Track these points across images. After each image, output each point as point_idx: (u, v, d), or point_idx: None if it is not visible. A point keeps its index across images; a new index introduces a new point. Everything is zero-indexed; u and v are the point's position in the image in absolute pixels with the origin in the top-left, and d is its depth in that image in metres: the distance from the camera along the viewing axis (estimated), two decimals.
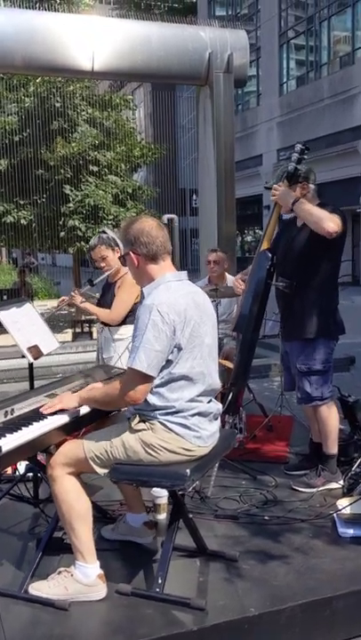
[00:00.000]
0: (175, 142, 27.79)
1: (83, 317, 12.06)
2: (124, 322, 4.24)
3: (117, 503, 3.58)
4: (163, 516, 3.37)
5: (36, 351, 3.58)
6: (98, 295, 4.64)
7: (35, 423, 2.67)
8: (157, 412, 2.67)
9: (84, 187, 12.93)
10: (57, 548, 3.01)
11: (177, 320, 2.59)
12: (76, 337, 11.80)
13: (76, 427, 2.93)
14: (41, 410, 2.78)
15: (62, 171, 12.76)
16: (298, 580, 2.90)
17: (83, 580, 2.71)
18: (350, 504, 3.40)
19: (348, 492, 3.69)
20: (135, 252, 2.72)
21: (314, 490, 3.85)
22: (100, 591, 2.73)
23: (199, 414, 2.71)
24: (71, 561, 2.80)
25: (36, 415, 2.77)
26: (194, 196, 24.59)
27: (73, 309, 11.57)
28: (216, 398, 2.98)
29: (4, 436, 2.50)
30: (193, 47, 8.86)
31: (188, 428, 2.67)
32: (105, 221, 12.57)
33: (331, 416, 3.92)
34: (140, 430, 2.67)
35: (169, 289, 2.66)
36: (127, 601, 2.72)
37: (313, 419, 4.05)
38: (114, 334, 4.31)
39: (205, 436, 2.73)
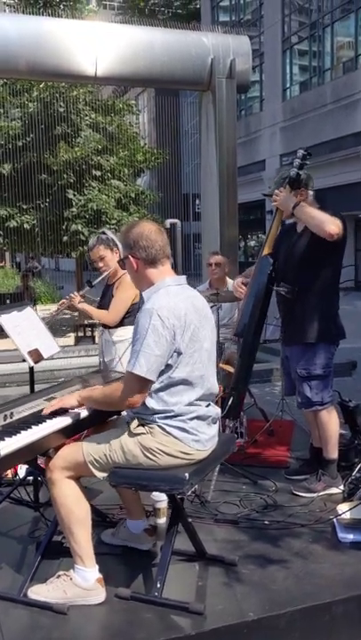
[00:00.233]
0: (179, 147, 27.82)
1: (85, 322, 12.07)
2: (122, 323, 4.24)
3: (117, 507, 3.58)
4: (163, 521, 3.36)
5: (36, 355, 3.58)
6: (98, 299, 4.65)
7: (34, 427, 2.68)
8: (156, 415, 2.68)
9: (87, 191, 12.97)
10: (56, 551, 3.01)
11: (177, 324, 2.60)
12: (78, 341, 11.82)
13: (76, 430, 2.94)
14: (44, 411, 2.78)
15: (65, 175, 12.80)
16: (297, 585, 2.89)
17: (82, 583, 2.71)
18: (350, 509, 3.40)
19: (348, 497, 3.68)
20: (134, 256, 2.74)
21: (314, 495, 3.85)
22: (99, 595, 2.73)
23: (198, 418, 2.72)
24: (70, 565, 2.80)
25: (36, 419, 2.77)
26: (197, 201, 24.61)
27: (76, 313, 11.58)
28: (216, 403, 2.98)
29: (3, 440, 2.50)
30: (196, 53, 8.91)
31: (187, 431, 2.67)
32: (108, 226, 12.59)
33: (331, 421, 3.92)
34: (139, 434, 2.67)
35: (169, 293, 2.67)
36: (126, 605, 2.72)
37: (313, 423, 4.05)
38: (113, 336, 4.32)
39: (204, 439, 2.73)
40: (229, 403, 3.99)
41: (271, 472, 4.26)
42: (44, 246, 13.73)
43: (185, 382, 2.67)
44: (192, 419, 2.69)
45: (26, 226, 12.95)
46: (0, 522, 3.59)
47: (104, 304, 4.42)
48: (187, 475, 2.62)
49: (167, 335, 2.57)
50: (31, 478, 3.79)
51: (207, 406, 2.80)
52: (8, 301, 14.57)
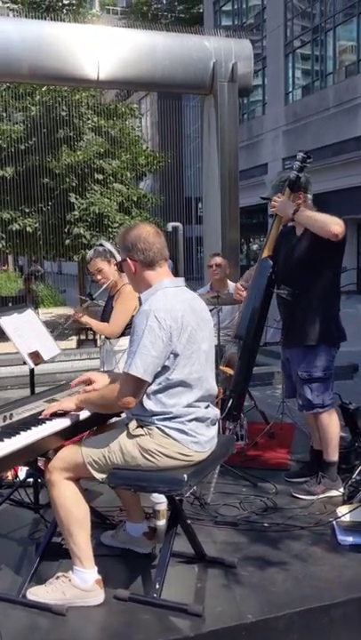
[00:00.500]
0: (181, 151, 27.87)
1: (87, 325, 12.08)
2: (123, 334, 4.25)
3: (117, 509, 3.58)
4: (162, 522, 3.34)
5: (36, 357, 3.59)
6: (102, 302, 4.67)
7: (33, 428, 2.68)
8: (155, 417, 2.68)
9: (90, 195, 13.01)
10: (56, 553, 3.01)
11: (174, 326, 2.60)
12: (80, 344, 11.85)
13: (75, 432, 2.94)
14: (42, 415, 2.79)
15: (68, 179, 12.84)
16: (296, 588, 2.89)
17: (80, 585, 2.71)
18: (350, 511, 3.39)
19: (348, 499, 3.67)
20: (132, 259, 2.74)
21: (314, 497, 3.84)
22: (98, 596, 2.73)
23: (197, 420, 2.72)
24: (69, 566, 2.80)
25: (35, 420, 2.78)
26: (199, 205, 24.64)
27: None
28: (216, 405, 2.99)
29: (2, 441, 2.51)
30: (197, 56, 8.95)
31: (186, 433, 2.68)
32: (110, 229, 12.64)
33: (331, 423, 3.92)
34: (137, 435, 2.68)
35: (166, 295, 2.68)
36: (125, 606, 2.72)
37: (314, 426, 4.05)
38: (114, 346, 4.34)
39: (203, 441, 2.73)
40: (229, 405, 3.99)
41: (271, 474, 4.26)
42: (46, 249, 13.78)
43: (183, 384, 2.67)
44: (191, 420, 2.70)
45: (28, 229, 13.00)
46: (0, 523, 3.59)
47: (106, 315, 4.44)
48: (185, 476, 2.62)
49: (163, 336, 2.57)
50: (31, 480, 3.79)
51: (206, 408, 2.80)
52: (10, 304, 14.60)
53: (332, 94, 21.51)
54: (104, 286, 4.37)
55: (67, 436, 2.84)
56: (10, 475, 4.12)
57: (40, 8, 15.48)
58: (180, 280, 2.82)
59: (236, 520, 3.56)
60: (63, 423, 2.79)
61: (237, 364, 4.09)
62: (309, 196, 3.94)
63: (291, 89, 24.73)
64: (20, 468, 4.10)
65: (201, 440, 2.72)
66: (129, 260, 2.76)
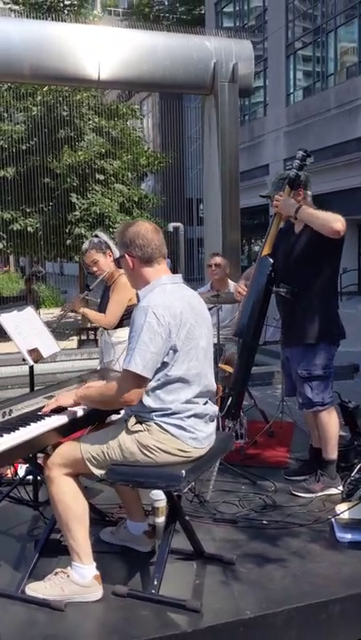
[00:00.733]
0: (183, 152, 27.87)
1: (88, 325, 12.11)
2: (120, 324, 4.26)
3: (117, 507, 3.58)
4: (161, 520, 3.34)
5: (36, 354, 3.60)
6: (98, 301, 4.67)
7: (32, 424, 2.69)
8: (153, 413, 2.69)
9: (91, 195, 13.02)
10: (54, 549, 3.02)
11: (172, 322, 2.61)
12: (81, 344, 11.87)
13: (74, 428, 2.94)
14: (41, 412, 2.79)
15: (69, 179, 12.86)
16: (294, 584, 2.89)
17: (79, 580, 2.72)
18: (348, 509, 3.40)
19: (347, 497, 3.68)
20: (130, 255, 2.75)
21: (313, 495, 3.85)
22: (96, 592, 2.73)
23: (195, 416, 2.72)
24: (68, 562, 2.80)
25: (34, 416, 2.79)
26: (200, 206, 24.66)
27: (80, 317, 11.63)
28: (216, 403, 2.99)
29: (1, 436, 2.52)
30: (198, 57, 8.96)
31: (184, 429, 2.68)
32: (111, 229, 12.64)
33: (331, 422, 3.92)
34: (136, 431, 2.68)
35: (164, 291, 2.68)
36: (123, 602, 2.73)
37: (313, 424, 4.05)
38: (112, 337, 4.34)
39: (201, 437, 2.74)
40: (228, 403, 3.99)
41: (271, 473, 4.27)
42: (47, 249, 13.78)
43: (182, 380, 2.68)
44: (189, 416, 2.70)
45: (29, 229, 13.01)
46: (0, 520, 3.59)
47: (102, 306, 4.44)
48: (183, 472, 2.63)
49: (162, 333, 2.58)
50: (30, 478, 3.80)
51: (205, 404, 2.80)
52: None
53: (333, 95, 21.53)
54: (100, 277, 4.36)
55: (66, 432, 2.85)
56: (9, 472, 4.13)
57: (41, 9, 15.51)
58: (178, 277, 2.83)
59: (235, 517, 3.57)
60: (62, 419, 2.80)
61: (237, 362, 4.10)
62: (309, 193, 3.95)
63: (292, 90, 24.76)
64: (19, 465, 4.12)
65: (199, 436, 2.73)
66: (127, 256, 2.76)
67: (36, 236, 13.29)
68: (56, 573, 2.78)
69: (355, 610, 2.83)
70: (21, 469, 4.07)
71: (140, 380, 2.59)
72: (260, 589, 2.84)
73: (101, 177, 13.35)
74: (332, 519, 3.42)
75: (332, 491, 3.87)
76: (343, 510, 3.41)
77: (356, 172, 19.54)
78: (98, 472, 2.71)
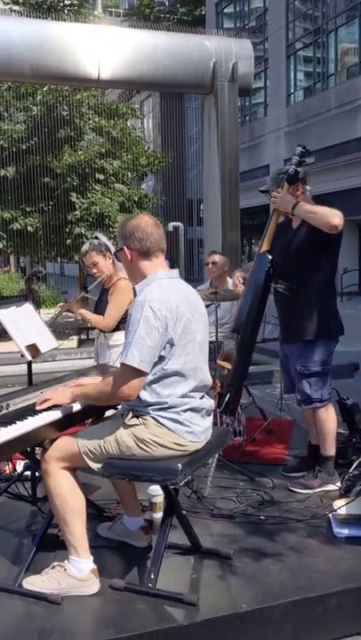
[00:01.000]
0: (183, 153, 27.90)
1: (88, 324, 12.10)
2: (118, 328, 4.26)
3: (114, 502, 3.59)
4: (159, 515, 3.36)
5: (34, 350, 3.61)
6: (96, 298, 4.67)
7: (30, 418, 2.70)
8: (150, 407, 2.69)
9: (91, 195, 13.04)
10: (52, 544, 3.03)
11: (169, 316, 2.61)
12: (80, 343, 11.85)
13: (72, 423, 2.95)
14: (36, 406, 2.80)
15: (69, 179, 12.86)
16: (291, 578, 2.90)
17: (76, 574, 2.73)
18: (346, 504, 3.40)
19: (345, 493, 3.68)
20: (129, 247, 2.77)
21: (311, 491, 3.85)
22: (93, 586, 2.74)
23: (191, 410, 2.73)
24: (65, 557, 2.81)
25: (32, 410, 2.79)
26: (201, 206, 24.67)
27: (80, 318, 11.65)
28: (214, 399, 3.00)
29: None
30: (198, 56, 8.94)
31: (181, 423, 2.69)
32: (111, 229, 12.66)
33: (329, 418, 3.93)
34: (132, 425, 2.69)
35: (161, 286, 2.69)
36: (120, 596, 2.73)
37: (311, 421, 4.06)
38: (109, 340, 4.34)
39: (198, 431, 2.75)
40: (226, 399, 3.99)
41: (269, 469, 4.27)
42: (47, 249, 13.78)
43: (178, 374, 2.68)
44: (186, 410, 2.71)
45: (29, 228, 13.02)
46: None
47: (100, 308, 4.44)
48: (180, 465, 2.64)
49: (159, 327, 2.59)
50: (29, 473, 3.81)
51: (201, 398, 2.81)
52: None
53: (333, 96, 21.55)
54: (98, 280, 4.37)
55: (63, 426, 2.85)
56: (8, 468, 4.14)
57: (41, 9, 15.54)
58: (175, 271, 2.84)
59: (232, 513, 3.57)
60: (60, 413, 2.80)
61: (234, 358, 4.10)
62: (308, 188, 3.94)
63: (292, 90, 24.78)
64: (17, 461, 4.13)
65: (196, 430, 2.73)
66: (126, 249, 2.78)
67: (36, 236, 13.30)
68: (53, 567, 2.79)
69: (351, 604, 2.83)
70: (20, 465, 4.08)
71: (137, 374, 2.60)
72: (257, 584, 2.85)
73: (101, 176, 13.36)
74: (330, 515, 3.42)
75: (330, 487, 3.88)
76: (341, 506, 3.41)
77: (357, 172, 19.55)
78: (95, 466, 2.71)
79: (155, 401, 2.68)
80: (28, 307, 3.85)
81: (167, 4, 35.15)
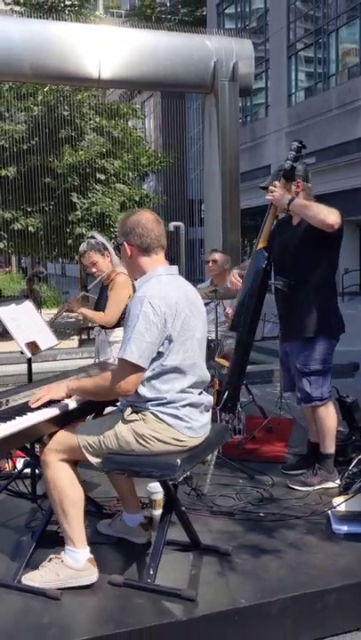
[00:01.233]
0: (184, 153, 27.91)
1: (89, 324, 12.12)
2: (118, 324, 4.27)
3: (114, 500, 3.60)
4: (158, 512, 3.37)
5: (34, 347, 3.62)
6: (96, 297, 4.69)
7: (29, 413, 2.70)
8: (149, 403, 2.70)
9: (92, 195, 13.05)
10: (52, 540, 3.03)
11: (168, 312, 2.62)
12: (81, 343, 11.86)
13: (71, 419, 2.95)
14: (30, 401, 2.80)
15: (70, 179, 12.88)
16: (290, 575, 2.90)
17: (73, 564, 2.74)
18: (345, 501, 3.40)
19: (344, 491, 3.68)
20: (129, 243, 2.78)
21: (310, 488, 3.85)
22: (91, 575, 2.75)
23: (190, 405, 2.74)
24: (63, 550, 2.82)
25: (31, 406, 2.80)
26: (202, 207, 24.66)
27: (80, 317, 11.66)
28: (213, 397, 3.00)
29: None
30: (199, 56, 8.97)
31: (180, 418, 2.70)
32: (112, 229, 12.67)
33: (329, 416, 3.92)
34: (132, 421, 2.70)
35: (160, 282, 2.70)
36: (119, 591, 2.74)
37: (311, 419, 4.05)
38: (109, 337, 4.35)
39: (196, 426, 2.75)
40: (224, 397, 3.98)
41: (269, 467, 4.27)
42: (48, 249, 13.80)
43: (177, 370, 2.69)
44: (184, 406, 2.72)
45: (30, 229, 13.04)
46: None
47: (100, 306, 4.45)
48: (179, 461, 2.64)
49: (158, 322, 2.60)
50: (29, 471, 3.81)
51: (199, 394, 2.82)
52: None
53: (334, 96, 21.55)
54: (98, 279, 4.39)
55: (63, 423, 2.85)
56: (8, 466, 4.15)
57: (42, 9, 15.57)
58: (175, 268, 2.85)
59: (231, 510, 3.57)
60: (58, 410, 2.81)
61: (232, 355, 4.07)
62: (309, 185, 3.92)
63: (293, 91, 24.79)
64: (17, 459, 4.14)
65: (194, 425, 2.74)
66: (126, 244, 2.79)
67: (37, 236, 13.32)
68: (50, 560, 2.80)
69: (350, 600, 2.83)
70: (20, 463, 4.08)
71: (135, 370, 2.60)
72: (256, 580, 2.85)
73: (102, 176, 13.38)
74: (329, 512, 3.43)
75: (330, 484, 3.88)
76: (340, 503, 3.41)
77: (358, 173, 19.54)
78: (94, 460, 2.72)
79: (154, 396, 2.69)
80: (27, 304, 3.87)
81: (168, 4, 35.17)
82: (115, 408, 3.14)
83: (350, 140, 20.15)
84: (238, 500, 3.74)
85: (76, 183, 12.97)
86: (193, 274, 22.93)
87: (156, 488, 3.35)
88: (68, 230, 13.12)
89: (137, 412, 2.72)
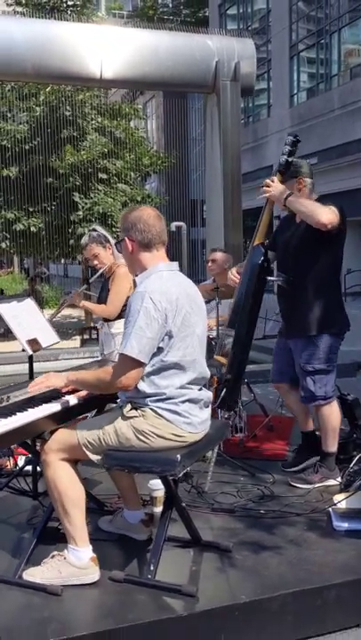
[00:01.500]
0: (187, 154, 27.92)
1: (91, 324, 12.14)
2: (120, 316, 4.28)
3: (115, 497, 3.60)
4: (159, 509, 3.37)
5: (35, 344, 3.62)
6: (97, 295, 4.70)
7: (30, 409, 2.71)
8: (148, 399, 2.71)
9: (94, 195, 13.05)
10: (52, 537, 3.04)
11: (169, 308, 2.63)
12: (84, 343, 11.89)
13: (71, 416, 2.96)
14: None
15: (72, 179, 12.89)
16: (290, 571, 2.90)
17: (75, 562, 2.74)
18: (346, 498, 3.41)
19: (345, 488, 3.68)
20: (130, 238, 2.79)
21: (311, 486, 3.86)
22: (93, 574, 2.75)
23: (190, 401, 2.75)
24: (65, 547, 2.82)
25: (32, 403, 2.80)
26: (204, 207, 24.65)
27: (83, 317, 11.67)
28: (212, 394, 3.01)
29: None
30: (200, 56, 8.95)
31: (179, 414, 2.70)
32: (114, 229, 12.67)
33: (333, 415, 3.90)
34: (131, 417, 2.70)
35: (161, 278, 2.71)
36: (120, 587, 2.74)
37: (299, 410, 4.08)
38: (112, 329, 4.37)
39: (196, 422, 2.76)
40: (222, 394, 3.96)
41: (269, 465, 4.28)
42: (50, 250, 13.81)
43: (177, 366, 2.70)
44: (184, 402, 2.72)
45: (32, 229, 13.05)
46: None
47: (102, 298, 4.48)
48: (179, 456, 2.65)
49: (159, 318, 2.60)
50: (30, 468, 3.82)
51: (199, 390, 2.83)
52: None
53: (336, 96, 21.56)
54: (100, 271, 4.41)
55: (63, 418, 2.86)
56: (9, 464, 4.16)
57: (44, 9, 15.60)
58: (175, 264, 2.85)
59: (232, 507, 3.58)
60: (59, 406, 2.81)
61: (230, 353, 4.03)
62: (309, 180, 3.88)
63: (296, 91, 24.80)
64: (18, 457, 4.15)
65: (194, 421, 2.75)
66: (127, 240, 2.79)
67: (39, 236, 13.33)
68: (53, 556, 2.81)
69: (350, 596, 2.83)
70: (21, 460, 4.09)
71: (136, 365, 2.61)
72: (256, 576, 2.86)
73: (104, 176, 13.39)
74: (330, 509, 3.43)
75: (331, 482, 3.88)
76: (341, 499, 3.41)
77: (360, 173, 19.55)
78: (94, 457, 2.73)
79: (153, 392, 2.70)
80: (29, 302, 3.87)
81: (170, 5, 35.20)
82: (115, 405, 3.14)
83: (352, 141, 20.15)
84: (239, 498, 3.74)
85: (78, 183, 12.98)
86: (195, 274, 22.91)
87: (157, 485, 3.35)
88: (70, 230, 13.13)
89: (136, 409, 2.72)
